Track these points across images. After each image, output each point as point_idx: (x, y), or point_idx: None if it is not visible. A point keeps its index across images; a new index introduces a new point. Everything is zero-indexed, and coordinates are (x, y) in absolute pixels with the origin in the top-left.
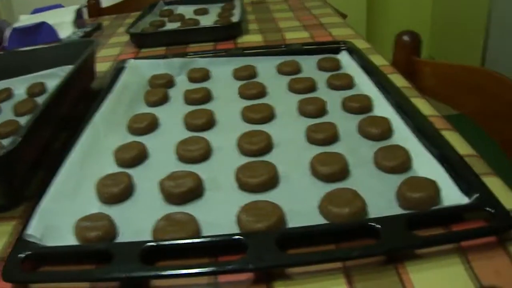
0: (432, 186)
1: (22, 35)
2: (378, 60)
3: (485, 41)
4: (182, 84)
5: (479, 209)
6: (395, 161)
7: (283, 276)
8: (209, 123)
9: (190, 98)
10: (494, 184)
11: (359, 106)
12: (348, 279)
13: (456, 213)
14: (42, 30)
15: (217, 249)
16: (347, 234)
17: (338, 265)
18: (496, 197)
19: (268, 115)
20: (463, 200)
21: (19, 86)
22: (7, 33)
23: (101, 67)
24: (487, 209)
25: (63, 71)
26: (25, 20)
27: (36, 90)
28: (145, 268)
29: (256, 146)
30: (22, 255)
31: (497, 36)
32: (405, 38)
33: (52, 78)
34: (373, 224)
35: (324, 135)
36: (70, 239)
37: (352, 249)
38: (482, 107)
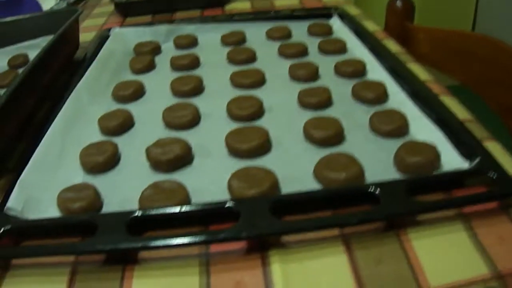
0: (431, 150)
1: (3, 8)
2: (370, 26)
3: (476, 6)
4: (169, 51)
5: (481, 174)
6: (392, 125)
7: (278, 244)
8: (197, 89)
9: (177, 64)
10: (494, 148)
11: (353, 70)
12: (347, 247)
13: (457, 178)
14: (25, 2)
15: (208, 218)
16: (343, 200)
17: (335, 232)
18: (498, 161)
19: (258, 80)
20: (464, 165)
21: (1, 57)
22: None
23: (86, 37)
24: (489, 173)
25: (46, 41)
26: None
27: (18, 61)
28: (132, 239)
29: (247, 111)
30: (2, 230)
31: (488, 1)
32: (398, 3)
33: (35, 49)
34: (372, 189)
35: (317, 99)
36: (53, 211)
37: (351, 215)
38: (478, 73)
